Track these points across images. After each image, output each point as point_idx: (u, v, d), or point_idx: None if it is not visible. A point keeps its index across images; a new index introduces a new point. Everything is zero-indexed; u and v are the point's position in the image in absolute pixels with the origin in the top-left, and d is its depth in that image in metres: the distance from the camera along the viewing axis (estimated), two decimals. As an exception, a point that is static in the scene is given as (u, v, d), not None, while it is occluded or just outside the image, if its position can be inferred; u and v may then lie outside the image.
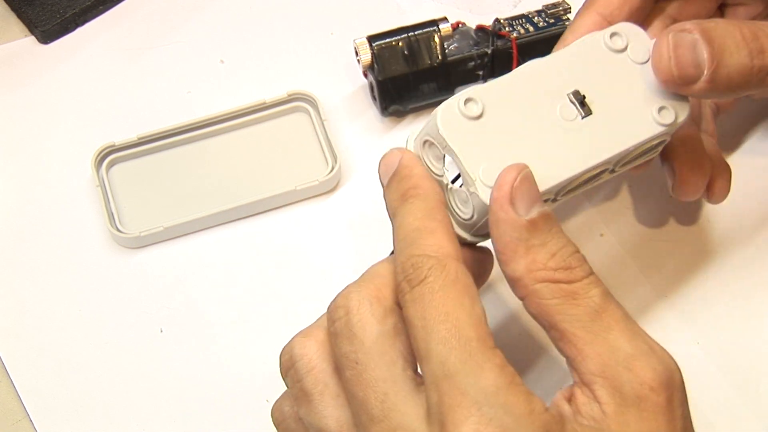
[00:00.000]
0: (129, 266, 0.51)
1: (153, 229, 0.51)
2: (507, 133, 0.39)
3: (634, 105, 0.40)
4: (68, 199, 0.53)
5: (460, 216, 0.39)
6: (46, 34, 0.58)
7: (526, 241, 0.35)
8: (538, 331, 0.36)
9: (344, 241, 0.52)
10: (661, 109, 0.40)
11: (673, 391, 0.33)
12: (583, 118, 0.40)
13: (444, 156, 0.39)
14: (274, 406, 0.40)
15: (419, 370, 0.34)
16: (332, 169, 0.52)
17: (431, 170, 0.39)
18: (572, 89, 0.40)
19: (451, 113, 0.38)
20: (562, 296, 0.34)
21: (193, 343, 0.49)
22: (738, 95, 0.45)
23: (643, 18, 0.48)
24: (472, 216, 0.39)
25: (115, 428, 0.47)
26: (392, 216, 0.38)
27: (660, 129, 0.40)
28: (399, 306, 0.35)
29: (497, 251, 0.36)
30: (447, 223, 0.37)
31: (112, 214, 0.52)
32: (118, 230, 0.51)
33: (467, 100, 0.38)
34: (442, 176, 0.39)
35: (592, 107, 0.40)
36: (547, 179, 0.38)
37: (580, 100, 0.40)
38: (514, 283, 0.35)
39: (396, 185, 0.38)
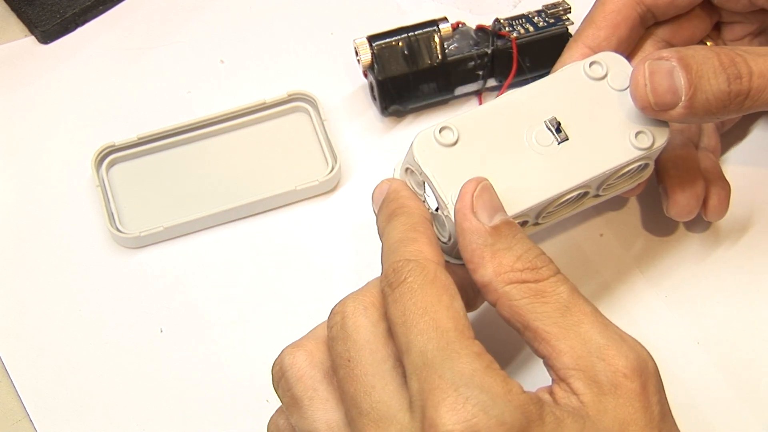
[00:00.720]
0: (129, 266, 0.51)
1: (153, 229, 0.51)
2: (481, 159, 0.40)
3: (612, 130, 0.41)
4: (68, 199, 0.53)
5: (441, 240, 0.40)
6: (46, 34, 0.58)
7: (492, 246, 0.36)
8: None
9: (344, 241, 0.52)
10: (638, 133, 0.41)
11: (647, 378, 0.34)
12: (559, 143, 0.41)
13: (424, 183, 0.40)
14: (269, 421, 0.40)
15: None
16: (332, 169, 0.52)
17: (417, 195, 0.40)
18: (549, 116, 0.41)
19: (427, 141, 0.40)
20: (531, 295, 0.35)
21: (193, 343, 0.49)
22: (716, 120, 0.45)
23: (633, 46, 0.48)
24: (450, 238, 0.40)
25: (115, 428, 0.47)
26: (380, 235, 0.39)
27: (637, 153, 0.41)
28: None
29: (466, 260, 0.37)
30: (430, 234, 0.38)
31: (112, 214, 0.52)
32: (118, 230, 0.51)
33: (442, 128, 0.40)
34: (425, 202, 0.40)
35: (568, 133, 0.41)
36: (520, 202, 0.39)
37: (556, 126, 0.41)
38: (484, 288, 0.36)
39: (384, 208, 0.40)
